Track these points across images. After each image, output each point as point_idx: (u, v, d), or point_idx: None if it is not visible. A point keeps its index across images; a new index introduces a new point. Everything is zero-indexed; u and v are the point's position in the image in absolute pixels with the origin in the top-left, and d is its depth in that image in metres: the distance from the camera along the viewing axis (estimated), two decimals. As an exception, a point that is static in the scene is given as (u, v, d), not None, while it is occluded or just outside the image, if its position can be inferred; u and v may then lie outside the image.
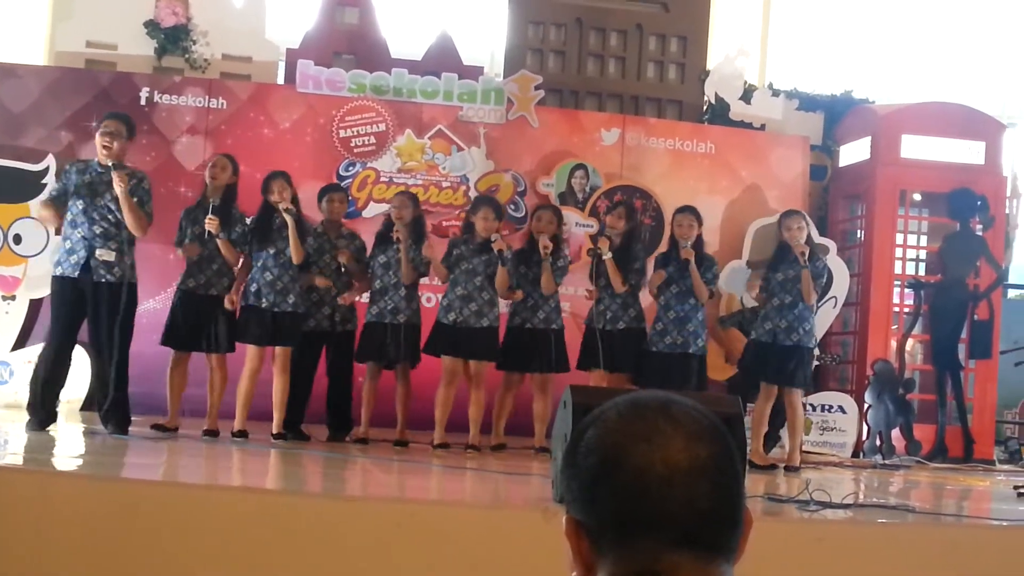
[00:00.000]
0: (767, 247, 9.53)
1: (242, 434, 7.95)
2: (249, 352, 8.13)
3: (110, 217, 7.49)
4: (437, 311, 8.54)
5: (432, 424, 8.36)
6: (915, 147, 10.83)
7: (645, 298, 8.82)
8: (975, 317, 10.68)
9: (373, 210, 10.24)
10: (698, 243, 8.53)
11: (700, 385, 8.43)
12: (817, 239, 9.53)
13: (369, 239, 8.80)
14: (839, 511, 5.71)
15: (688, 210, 8.65)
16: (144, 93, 10.20)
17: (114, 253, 7.47)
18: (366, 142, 10.47)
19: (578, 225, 10.38)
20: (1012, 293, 12.85)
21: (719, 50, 11.82)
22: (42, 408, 7.45)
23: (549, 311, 8.56)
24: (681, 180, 10.82)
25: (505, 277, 8.36)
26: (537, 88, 10.77)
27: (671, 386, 7.85)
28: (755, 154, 11.14)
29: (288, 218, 8.01)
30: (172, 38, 10.61)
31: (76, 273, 7.45)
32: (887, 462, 9.70)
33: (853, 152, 11.28)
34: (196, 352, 8.14)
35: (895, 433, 10.14)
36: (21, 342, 9.75)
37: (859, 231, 11.25)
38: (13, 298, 9.80)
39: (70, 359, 7.65)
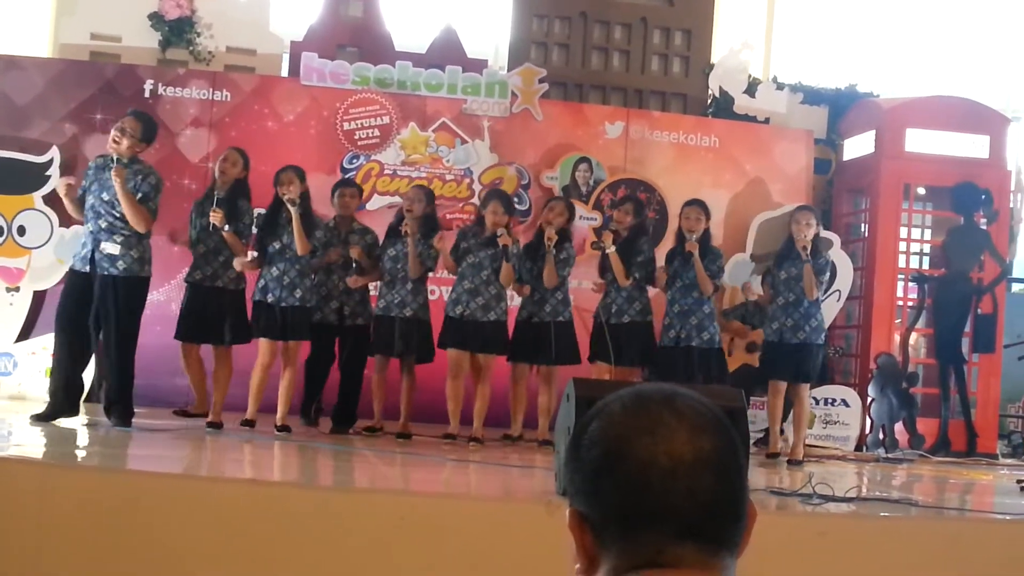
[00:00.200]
0: (771, 241, 9.54)
1: (249, 423, 7.98)
2: (260, 346, 8.16)
3: (115, 211, 7.50)
4: (445, 305, 8.53)
5: (435, 417, 8.44)
6: (919, 141, 10.81)
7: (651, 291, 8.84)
8: (979, 311, 10.67)
9: (377, 203, 10.24)
10: (705, 236, 8.54)
11: (716, 378, 8.43)
12: (821, 233, 9.53)
13: (377, 231, 8.82)
14: (842, 505, 5.70)
15: (696, 203, 8.67)
16: (148, 85, 10.20)
17: (119, 246, 7.49)
18: (370, 135, 10.47)
19: (582, 218, 10.37)
20: (1016, 287, 12.83)
21: (723, 43, 11.79)
22: (54, 397, 7.46)
23: (556, 304, 8.55)
24: (685, 174, 10.82)
25: (509, 273, 8.35)
26: (541, 81, 10.76)
27: (676, 380, 7.88)
28: (759, 148, 11.13)
29: (292, 210, 8.02)
30: (176, 30, 10.61)
31: (86, 267, 7.49)
32: (890, 456, 9.70)
33: (857, 146, 11.26)
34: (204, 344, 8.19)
35: (898, 427, 10.13)
36: (25, 334, 9.76)
37: (863, 225, 11.24)
38: (17, 289, 9.81)
39: (85, 355, 7.62)
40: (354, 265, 8.56)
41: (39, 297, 9.84)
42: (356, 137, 10.44)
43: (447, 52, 10.77)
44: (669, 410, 1.47)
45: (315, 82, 10.42)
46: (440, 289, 9.53)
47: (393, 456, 7.39)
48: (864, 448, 10.12)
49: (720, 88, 11.45)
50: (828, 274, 8.78)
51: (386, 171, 10.43)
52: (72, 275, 7.63)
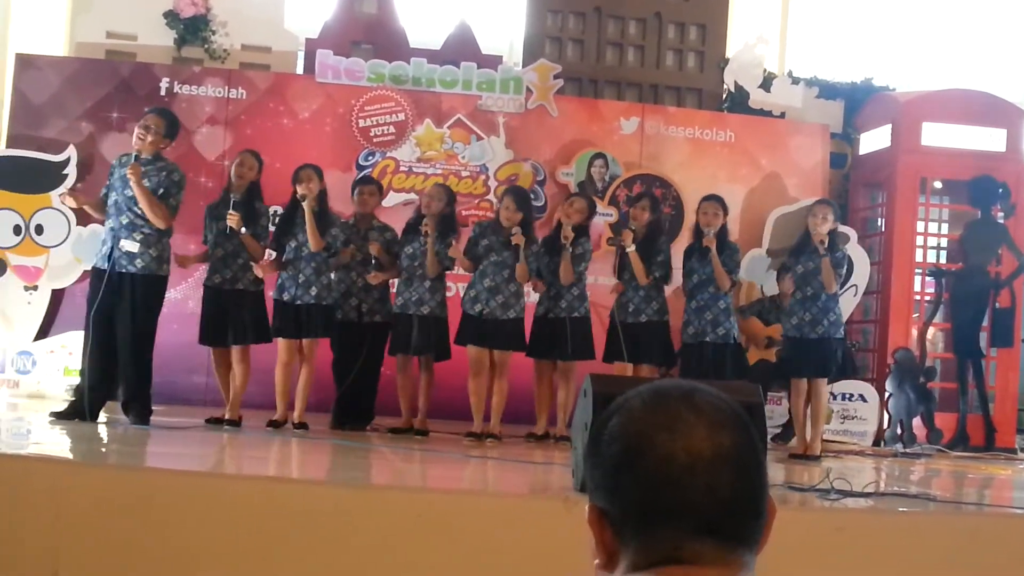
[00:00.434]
0: (787, 236, 9.52)
1: (276, 424, 8.05)
2: (279, 345, 8.19)
3: (136, 209, 7.52)
4: (462, 301, 8.51)
5: (452, 414, 8.49)
6: (936, 134, 10.77)
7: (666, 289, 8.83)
8: (996, 305, 10.63)
9: (393, 199, 10.24)
10: (722, 232, 8.51)
11: (734, 374, 8.41)
12: (839, 228, 9.50)
13: (393, 228, 8.83)
14: (860, 500, 5.70)
15: (714, 198, 8.64)
16: (164, 83, 10.23)
17: (138, 244, 7.51)
18: (385, 132, 10.48)
19: (598, 214, 10.35)
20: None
21: (738, 38, 11.77)
22: (84, 396, 7.46)
23: (572, 299, 8.53)
24: (701, 169, 10.81)
25: (524, 271, 8.34)
26: (556, 77, 10.75)
27: (693, 376, 7.89)
28: (775, 142, 11.11)
29: (304, 206, 8.05)
30: (192, 28, 10.64)
31: (105, 265, 7.51)
32: (908, 451, 9.67)
33: (873, 140, 11.23)
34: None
35: (916, 421, 10.10)
36: (43, 332, 9.80)
37: (880, 219, 11.21)
38: (35, 288, 9.85)
39: (112, 352, 7.60)
40: (373, 262, 8.57)
41: (57, 296, 9.88)
42: (372, 134, 10.45)
43: (462, 48, 10.77)
44: (688, 406, 1.47)
45: (330, 79, 10.44)
46: (456, 286, 9.52)
47: (411, 453, 7.40)
48: (882, 443, 10.09)
49: (735, 83, 11.43)
50: (844, 268, 8.74)
51: (402, 168, 10.44)
52: (95, 274, 7.64)
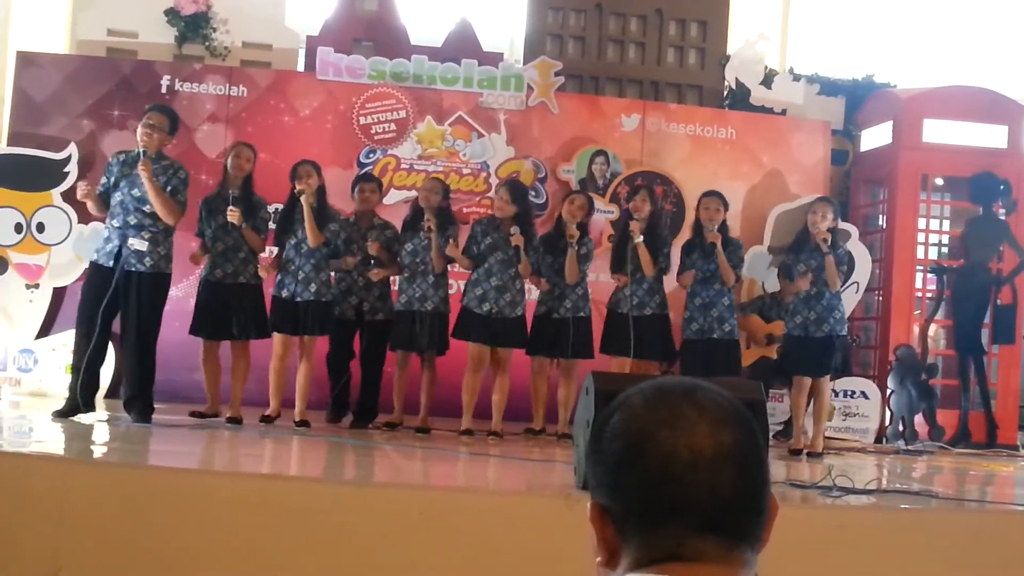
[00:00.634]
0: (789, 233, 9.51)
1: (269, 419, 8.06)
2: (275, 340, 8.20)
3: (145, 208, 7.53)
4: (463, 298, 8.48)
5: (453, 411, 8.41)
6: (937, 131, 10.76)
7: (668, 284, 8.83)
8: (998, 302, 10.62)
9: (394, 197, 10.24)
10: (723, 228, 8.52)
11: (731, 371, 8.42)
12: (839, 225, 9.50)
13: (395, 225, 8.83)
14: (862, 497, 5.70)
15: (714, 194, 8.65)
16: (165, 81, 10.23)
17: (146, 243, 7.53)
18: (386, 129, 10.48)
19: (599, 211, 10.36)
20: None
21: (739, 35, 11.77)
22: (77, 398, 7.49)
23: (576, 299, 8.53)
24: (702, 166, 10.80)
25: (528, 268, 8.35)
26: (557, 74, 10.75)
27: (699, 373, 7.90)
28: (776, 139, 11.11)
29: (303, 202, 8.06)
30: (192, 26, 10.63)
31: (110, 263, 7.51)
32: (910, 448, 9.67)
33: (875, 136, 11.22)
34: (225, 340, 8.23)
35: (918, 418, 10.09)
36: (45, 330, 9.80)
37: (881, 216, 11.20)
38: (37, 286, 9.85)
39: (102, 343, 7.66)
40: (372, 261, 8.56)
41: (59, 294, 9.88)
42: (373, 131, 10.44)
43: (463, 45, 10.77)
44: (690, 403, 1.46)
45: (331, 76, 10.43)
46: (458, 283, 9.50)
47: (413, 451, 7.39)
48: (884, 440, 10.09)
49: (736, 80, 11.43)
50: (846, 265, 8.75)
51: (403, 165, 10.44)
52: (96, 270, 7.63)
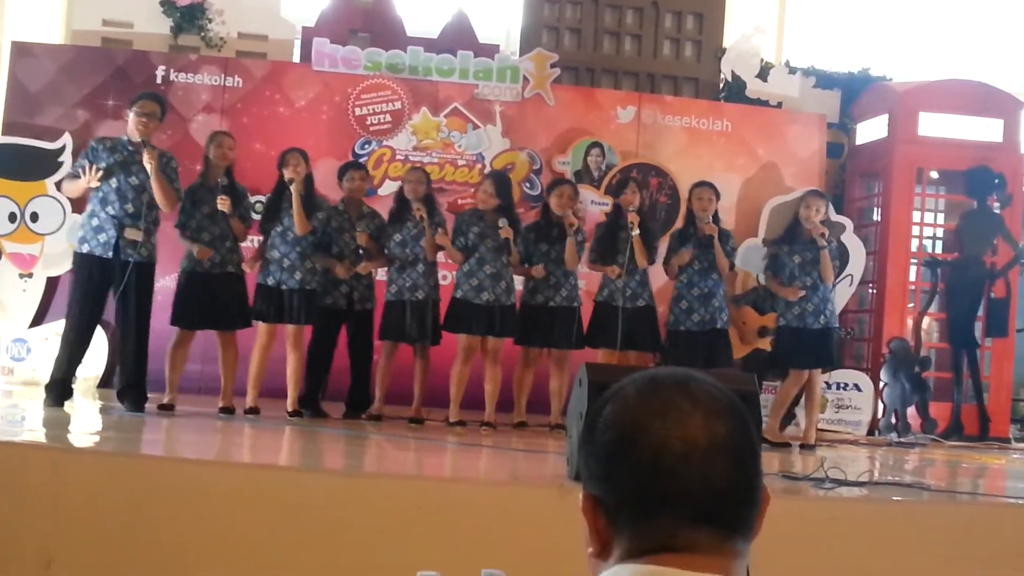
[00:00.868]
0: (783, 225, 9.51)
1: (254, 411, 8.01)
2: (259, 329, 8.18)
3: (143, 197, 7.54)
4: (456, 290, 8.44)
5: (446, 402, 8.37)
6: (932, 125, 10.77)
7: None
8: (992, 295, 10.64)
9: (389, 188, 10.20)
10: (715, 218, 8.52)
11: (725, 361, 8.44)
12: (834, 217, 9.51)
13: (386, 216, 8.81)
14: (854, 489, 5.71)
15: (706, 185, 8.65)
16: (160, 71, 10.22)
17: (142, 233, 7.52)
18: (382, 120, 10.47)
19: (593, 203, 10.36)
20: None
21: (735, 27, 11.77)
22: (60, 385, 7.50)
23: (570, 289, 8.54)
24: (697, 158, 10.80)
25: (517, 259, 8.37)
26: (553, 66, 10.74)
27: (701, 364, 7.92)
28: (772, 132, 11.11)
29: (292, 190, 8.04)
30: (188, 16, 10.61)
31: (109, 254, 7.48)
32: (902, 440, 9.69)
33: (870, 130, 11.23)
34: (205, 330, 8.20)
35: (911, 411, 10.13)
36: (38, 320, 9.80)
37: (876, 209, 11.21)
38: (30, 276, 9.85)
39: (91, 338, 7.70)
40: (361, 252, 8.54)
41: (52, 283, 9.88)
42: (368, 123, 10.44)
43: (459, 37, 10.76)
44: (683, 394, 1.46)
45: (327, 68, 10.42)
46: (451, 275, 9.49)
47: (406, 441, 7.40)
48: (876, 432, 10.11)
49: (732, 72, 11.42)
50: (838, 260, 8.76)
51: (398, 157, 10.43)
52: (89, 259, 7.55)
